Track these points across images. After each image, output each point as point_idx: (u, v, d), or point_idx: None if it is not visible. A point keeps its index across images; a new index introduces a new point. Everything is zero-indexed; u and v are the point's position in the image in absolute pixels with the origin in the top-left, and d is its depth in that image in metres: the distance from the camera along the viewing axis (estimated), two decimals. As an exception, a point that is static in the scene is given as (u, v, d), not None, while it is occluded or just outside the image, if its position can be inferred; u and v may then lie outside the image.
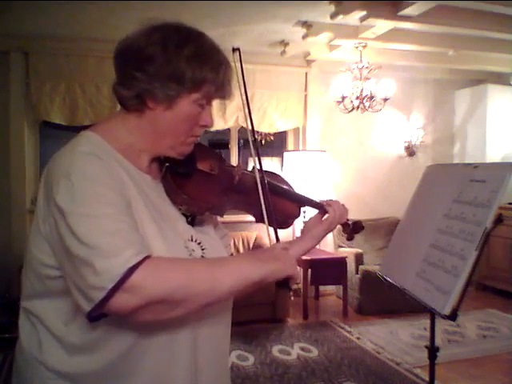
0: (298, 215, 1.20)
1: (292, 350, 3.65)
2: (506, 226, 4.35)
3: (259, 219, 1.08)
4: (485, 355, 3.56)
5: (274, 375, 3.21)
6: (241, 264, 0.89)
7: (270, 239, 1.00)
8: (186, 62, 0.91)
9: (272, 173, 1.25)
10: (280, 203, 1.15)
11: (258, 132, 5.26)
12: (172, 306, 0.80)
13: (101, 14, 3.61)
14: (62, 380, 0.89)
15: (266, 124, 4.97)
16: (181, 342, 0.92)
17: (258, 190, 1.04)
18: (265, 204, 1.01)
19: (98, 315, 0.78)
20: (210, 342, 0.99)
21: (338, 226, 1.27)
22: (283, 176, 1.26)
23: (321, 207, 1.23)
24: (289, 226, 1.19)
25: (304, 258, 4.43)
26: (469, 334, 3.97)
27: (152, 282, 0.77)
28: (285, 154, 4.91)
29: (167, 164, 1.01)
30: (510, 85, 5.55)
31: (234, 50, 1.04)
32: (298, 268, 4.82)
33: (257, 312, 4.15)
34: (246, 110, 1.07)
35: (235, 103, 4.81)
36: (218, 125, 4.77)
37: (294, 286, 0.93)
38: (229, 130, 5.04)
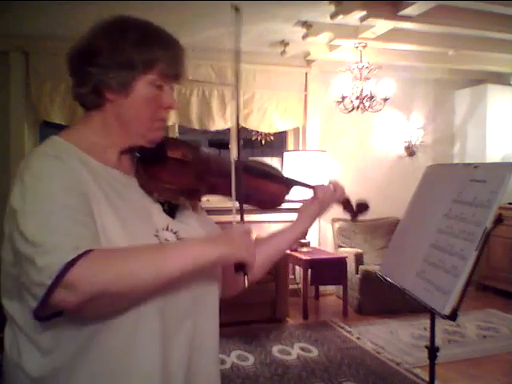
0: (287, 193, 1.20)
1: (292, 349, 3.65)
2: (506, 225, 4.35)
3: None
4: (485, 355, 3.56)
5: (273, 375, 3.21)
6: (189, 247, 0.88)
7: (235, 218, 0.99)
8: (132, 46, 0.93)
9: (258, 161, 1.26)
10: (263, 184, 1.16)
11: (258, 132, 5.26)
12: (115, 297, 0.80)
13: (101, 14, 3.60)
14: None
15: (266, 124, 4.97)
16: (147, 327, 0.90)
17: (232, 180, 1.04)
18: (236, 182, 1.00)
19: (50, 315, 0.80)
20: (185, 330, 0.96)
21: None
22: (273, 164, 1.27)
23: (309, 187, 1.24)
24: (279, 205, 1.19)
25: (304, 258, 4.43)
26: (469, 334, 3.97)
27: (89, 276, 0.76)
28: (285, 153, 4.91)
29: (138, 155, 1.03)
30: (510, 85, 5.54)
31: (235, 8, 1.06)
32: (299, 268, 4.83)
33: (257, 312, 4.15)
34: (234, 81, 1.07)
35: (235, 103, 4.80)
36: (218, 125, 4.77)
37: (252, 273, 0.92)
38: (229, 130, 5.05)
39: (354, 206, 1.29)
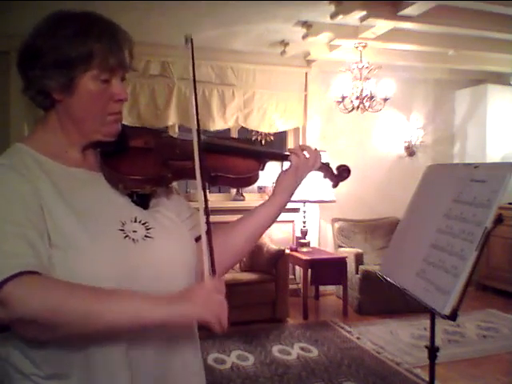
0: (258, 168, 1.13)
1: (292, 350, 3.65)
2: (506, 225, 4.35)
3: (212, 183, 1.06)
4: (485, 355, 3.56)
5: (274, 375, 3.21)
6: (134, 301, 0.81)
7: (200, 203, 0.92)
8: (67, 44, 0.91)
9: (228, 137, 1.21)
10: (230, 161, 1.10)
11: (258, 132, 5.26)
12: (45, 328, 0.79)
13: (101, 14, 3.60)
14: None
15: (266, 124, 4.97)
16: (116, 362, 0.88)
17: (202, 154, 0.99)
18: (199, 165, 0.94)
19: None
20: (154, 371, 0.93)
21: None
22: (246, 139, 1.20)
23: (282, 156, 1.17)
24: (252, 183, 1.13)
25: (304, 258, 4.43)
26: (469, 334, 3.97)
27: (18, 298, 0.76)
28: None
29: (99, 149, 1.01)
30: (510, 85, 5.54)
31: (186, 40, 0.99)
32: (299, 268, 4.83)
33: (257, 312, 4.16)
34: (193, 102, 1.00)
35: (235, 103, 4.81)
36: (218, 125, 4.77)
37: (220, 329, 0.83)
38: (229, 129, 5.04)
39: (335, 171, 1.23)
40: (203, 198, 0.93)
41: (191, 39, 0.99)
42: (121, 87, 0.96)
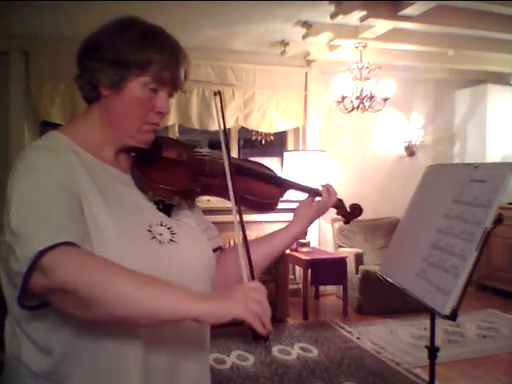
0: (280, 196, 1.18)
1: (292, 350, 3.65)
2: (506, 225, 4.35)
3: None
4: (485, 355, 3.56)
5: (274, 375, 3.21)
6: (175, 292, 0.78)
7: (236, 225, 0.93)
8: (129, 46, 0.94)
9: (253, 161, 1.24)
10: (256, 186, 1.14)
11: (258, 132, 5.26)
12: (81, 301, 0.76)
13: (101, 14, 3.60)
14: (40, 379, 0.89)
15: (266, 124, 4.97)
16: (130, 357, 0.89)
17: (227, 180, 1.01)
18: (232, 185, 0.97)
19: (37, 305, 0.81)
20: (167, 367, 0.95)
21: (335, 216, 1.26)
22: (269, 166, 1.24)
23: (311, 191, 1.21)
24: (272, 209, 1.16)
25: (304, 258, 4.43)
26: (469, 334, 3.97)
27: (60, 267, 0.76)
28: (285, 154, 4.91)
29: (133, 154, 1.04)
30: (510, 85, 5.54)
31: (215, 93, 1.06)
32: (299, 268, 4.83)
33: (257, 312, 4.15)
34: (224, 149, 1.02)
35: (235, 103, 4.81)
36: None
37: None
38: (229, 129, 5.05)
39: (348, 209, 1.28)
40: (234, 201, 0.95)
41: (219, 92, 1.07)
42: (165, 101, 0.99)
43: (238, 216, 0.93)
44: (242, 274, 0.85)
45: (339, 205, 1.26)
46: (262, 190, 1.15)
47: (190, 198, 1.08)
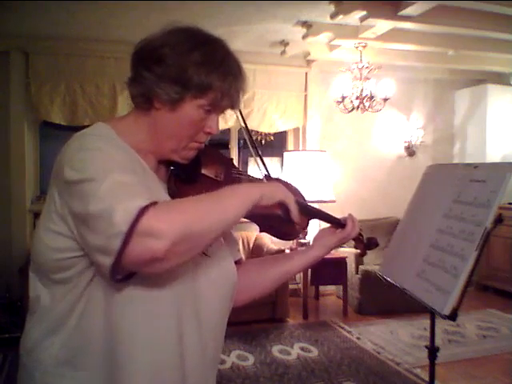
0: (305, 227, 1.15)
1: (292, 350, 3.65)
2: (506, 225, 4.35)
3: (262, 229, 1.07)
4: (485, 355, 3.56)
5: (273, 375, 3.21)
6: (239, 188, 0.90)
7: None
8: (193, 67, 0.91)
9: (287, 183, 1.18)
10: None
11: (258, 132, 5.26)
12: (196, 241, 0.79)
13: (101, 15, 3.61)
14: (61, 367, 0.89)
15: (266, 124, 4.97)
16: (164, 323, 0.91)
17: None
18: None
19: (125, 277, 0.79)
20: (200, 324, 0.97)
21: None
22: (295, 185, 1.19)
23: (336, 222, 1.19)
24: (294, 238, 1.17)
25: (304, 258, 4.43)
26: (469, 334, 3.97)
27: (168, 218, 0.75)
28: (285, 154, 4.91)
29: (172, 168, 1.02)
30: (510, 85, 5.55)
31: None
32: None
33: (257, 312, 4.15)
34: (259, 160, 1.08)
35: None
36: (219, 125, 4.77)
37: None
38: (229, 129, 5.05)
39: (365, 240, 1.26)
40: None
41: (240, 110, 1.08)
42: (217, 122, 0.99)
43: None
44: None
45: (358, 238, 1.23)
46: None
47: None
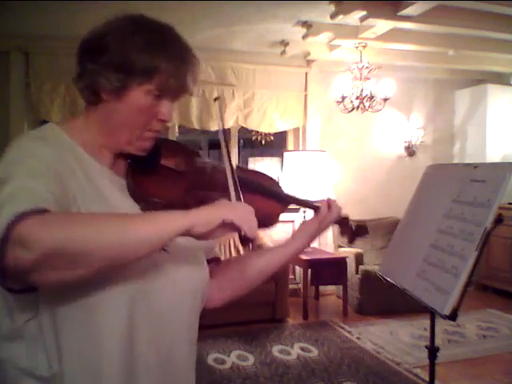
0: (281, 211, 1.12)
1: (292, 349, 3.65)
2: (506, 226, 4.35)
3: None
4: (485, 355, 3.56)
5: (273, 375, 3.21)
6: (160, 214, 0.80)
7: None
8: (136, 52, 0.89)
9: (256, 171, 1.18)
10: (256, 201, 1.04)
11: (258, 132, 5.26)
12: (74, 260, 0.71)
13: (101, 14, 3.60)
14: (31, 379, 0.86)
15: (266, 124, 4.97)
16: (113, 321, 0.87)
17: (229, 187, 0.98)
18: (236, 198, 0.92)
19: (24, 288, 0.75)
20: (152, 323, 0.92)
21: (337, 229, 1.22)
22: (271, 175, 1.18)
23: (311, 206, 1.16)
24: (272, 225, 1.11)
25: (304, 257, 4.43)
26: (469, 334, 3.97)
27: (45, 229, 0.69)
28: (285, 154, 4.91)
29: (129, 160, 0.99)
30: (510, 85, 5.55)
31: (215, 99, 1.01)
32: (299, 268, 4.84)
33: (257, 312, 4.15)
34: (224, 150, 0.98)
35: (235, 103, 4.81)
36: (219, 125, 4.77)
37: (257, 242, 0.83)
38: (229, 130, 5.05)
39: (353, 228, 1.21)
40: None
41: (219, 98, 1.04)
42: (169, 108, 0.94)
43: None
44: (230, 194, 0.88)
45: (342, 222, 1.19)
46: (262, 207, 1.06)
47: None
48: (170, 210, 0.81)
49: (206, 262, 1.06)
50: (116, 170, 0.97)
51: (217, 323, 3.59)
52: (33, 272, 0.70)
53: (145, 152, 0.96)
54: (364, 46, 4.28)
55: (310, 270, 4.45)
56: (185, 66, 0.92)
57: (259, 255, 1.17)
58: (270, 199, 1.10)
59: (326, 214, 1.13)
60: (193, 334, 1.03)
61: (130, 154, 0.97)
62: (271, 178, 1.17)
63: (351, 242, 1.24)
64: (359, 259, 4.65)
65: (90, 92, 0.93)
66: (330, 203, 1.15)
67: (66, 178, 0.84)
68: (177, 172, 1.00)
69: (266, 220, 1.08)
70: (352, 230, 1.22)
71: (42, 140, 0.87)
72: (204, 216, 0.79)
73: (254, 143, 6.01)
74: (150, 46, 0.89)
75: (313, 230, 1.15)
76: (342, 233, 1.22)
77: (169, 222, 0.77)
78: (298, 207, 1.21)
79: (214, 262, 1.12)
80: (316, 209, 1.15)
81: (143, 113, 0.92)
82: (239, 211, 0.82)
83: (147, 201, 0.95)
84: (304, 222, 1.19)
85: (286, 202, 1.13)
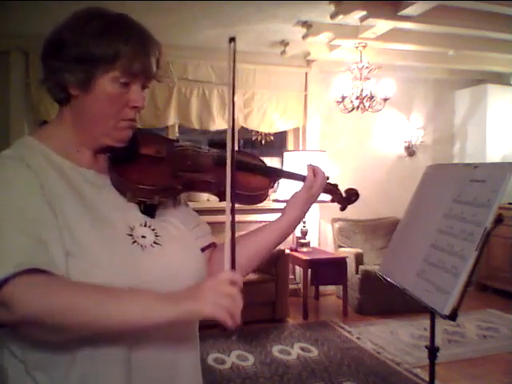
0: (269, 186, 1.12)
1: (292, 349, 3.65)
2: (506, 226, 4.35)
3: (222, 198, 0.98)
4: (485, 355, 3.56)
5: (273, 375, 3.21)
6: (142, 300, 0.78)
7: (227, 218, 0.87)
8: (93, 40, 0.88)
9: (239, 150, 1.16)
10: (243, 178, 1.06)
11: (258, 132, 5.26)
12: (49, 328, 0.76)
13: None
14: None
15: (266, 124, 4.97)
16: (112, 360, 0.87)
17: (215, 167, 0.99)
18: (230, 180, 0.90)
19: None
20: (151, 370, 0.91)
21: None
22: (253, 153, 1.18)
23: (299, 177, 1.15)
24: (261, 201, 1.11)
25: (304, 258, 4.43)
26: (469, 334, 3.97)
27: (20, 299, 0.73)
28: (285, 154, 4.91)
29: (108, 154, 0.99)
30: (510, 85, 5.55)
31: (230, 40, 0.96)
32: (299, 268, 4.83)
33: (257, 312, 4.15)
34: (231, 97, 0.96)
35: (235, 104, 4.81)
36: (219, 125, 4.77)
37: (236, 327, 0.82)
38: (229, 130, 5.04)
39: (343, 194, 1.22)
40: (229, 182, 0.89)
41: (234, 38, 0.95)
42: (139, 94, 0.94)
43: (230, 209, 0.88)
44: (225, 262, 0.83)
45: (332, 189, 1.19)
46: (249, 182, 1.08)
47: (173, 196, 1.02)
48: (151, 295, 0.79)
49: (199, 249, 1.05)
50: (97, 168, 0.97)
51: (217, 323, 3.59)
52: (16, 327, 0.77)
53: (124, 143, 0.96)
54: (364, 46, 4.28)
55: (310, 269, 4.46)
56: (145, 48, 0.92)
57: (255, 234, 1.13)
58: (256, 175, 1.11)
59: (312, 179, 1.13)
60: (194, 331, 1.03)
61: (109, 148, 0.96)
62: (254, 156, 1.17)
63: (343, 209, 1.24)
64: (359, 259, 4.65)
65: (58, 90, 0.93)
66: (314, 168, 1.15)
67: (47, 192, 0.85)
68: (158, 158, 1.01)
69: (256, 196, 1.09)
70: (342, 196, 1.22)
71: (17, 162, 0.86)
72: (185, 314, 0.78)
73: (254, 143, 6.01)
74: (107, 31, 0.89)
75: (303, 199, 1.12)
76: (333, 200, 1.22)
77: (147, 312, 0.77)
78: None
79: (210, 247, 1.11)
80: (303, 179, 1.14)
81: (114, 101, 0.92)
82: (222, 301, 0.78)
83: (132, 190, 0.95)
84: (292, 195, 1.15)
85: (272, 175, 1.13)
